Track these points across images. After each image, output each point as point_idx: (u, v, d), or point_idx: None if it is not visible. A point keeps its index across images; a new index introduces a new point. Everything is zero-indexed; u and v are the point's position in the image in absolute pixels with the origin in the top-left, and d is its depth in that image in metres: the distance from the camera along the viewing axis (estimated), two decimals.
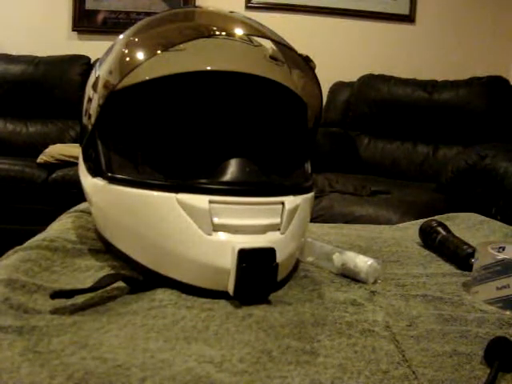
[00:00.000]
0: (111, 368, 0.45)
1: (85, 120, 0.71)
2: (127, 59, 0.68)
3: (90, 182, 0.70)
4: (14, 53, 2.75)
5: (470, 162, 1.85)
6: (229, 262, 0.59)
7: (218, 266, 0.60)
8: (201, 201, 0.60)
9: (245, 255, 0.58)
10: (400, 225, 1.12)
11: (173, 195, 0.60)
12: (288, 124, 0.78)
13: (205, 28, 0.69)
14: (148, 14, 2.69)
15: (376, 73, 2.68)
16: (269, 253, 0.59)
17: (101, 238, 0.75)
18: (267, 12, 2.88)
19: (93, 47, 2.65)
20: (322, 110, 0.78)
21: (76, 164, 0.81)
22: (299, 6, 2.88)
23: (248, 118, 0.78)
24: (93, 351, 0.48)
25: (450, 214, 1.11)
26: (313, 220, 0.80)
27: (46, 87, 2.66)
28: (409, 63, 2.83)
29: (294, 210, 0.65)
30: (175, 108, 0.77)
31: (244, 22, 0.70)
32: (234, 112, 0.78)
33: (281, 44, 0.68)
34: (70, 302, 0.57)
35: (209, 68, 0.75)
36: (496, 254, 0.67)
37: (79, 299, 0.58)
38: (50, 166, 2.29)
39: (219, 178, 0.68)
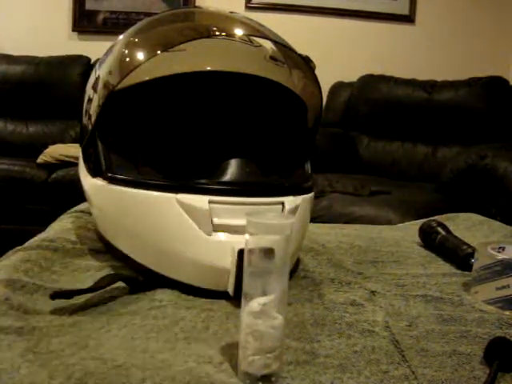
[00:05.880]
0: (111, 368, 0.45)
1: (85, 120, 0.71)
2: (127, 59, 0.68)
3: (90, 183, 0.70)
4: (14, 53, 2.75)
5: (470, 162, 1.85)
6: (229, 262, 0.59)
7: (218, 266, 0.60)
8: (201, 201, 0.60)
9: None
10: (400, 225, 1.12)
11: (173, 195, 0.60)
12: (288, 124, 0.78)
13: (205, 28, 0.69)
14: (148, 14, 2.69)
15: (376, 73, 2.68)
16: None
17: (101, 238, 0.76)
18: (267, 12, 2.88)
19: (93, 47, 2.65)
20: (321, 111, 0.78)
21: (76, 164, 0.81)
22: (299, 6, 2.88)
23: (248, 119, 0.78)
24: (93, 351, 0.48)
25: (450, 214, 1.11)
26: (313, 220, 0.80)
27: (46, 87, 2.66)
28: (409, 63, 2.83)
29: (293, 211, 0.65)
30: (175, 108, 0.77)
31: (244, 23, 0.70)
32: (234, 112, 0.78)
33: (281, 44, 0.68)
34: (70, 302, 0.57)
35: (209, 68, 0.76)
36: (496, 254, 0.67)
37: (79, 299, 0.58)
38: (50, 166, 2.29)
39: (219, 179, 0.68)
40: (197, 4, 2.89)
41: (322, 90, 0.74)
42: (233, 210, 0.61)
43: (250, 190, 0.64)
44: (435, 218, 1.00)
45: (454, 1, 2.90)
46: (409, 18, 2.90)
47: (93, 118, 0.68)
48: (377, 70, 2.69)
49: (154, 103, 0.75)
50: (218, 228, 0.61)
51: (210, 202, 0.60)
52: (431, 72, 2.67)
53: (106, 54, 0.72)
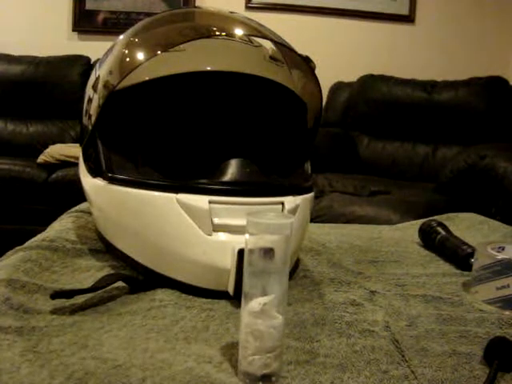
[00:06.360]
0: (111, 368, 0.45)
1: (85, 120, 0.71)
2: (127, 60, 0.68)
3: (90, 183, 0.70)
4: (14, 53, 2.75)
5: (470, 162, 1.85)
6: (229, 262, 0.59)
7: (218, 266, 0.60)
8: (201, 201, 0.60)
9: None
10: (400, 225, 1.12)
11: (173, 195, 0.60)
12: (288, 124, 0.78)
13: (205, 28, 0.69)
14: (148, 14, 2.69)
15: (376, 73, 2.68)
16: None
17: (101, 238, 0.76)
18: (267, 12, 2.88)
19: (93, 47, 2.65)
20: (321, 110, 0.78)
21: (76, 164, 0.81)
22: (299, 6, 2.88)
23: (248, 119, 0.78)
24: (93, 351, 0.48)
25: (450, 214, 1.11)
26: (313, 220, 0.80)
27: (46, 87, 2.66)
28: (408, 63, 2.83)
29: (293, 211, 0.65)
30: (175, 108, 0.77)
31: (244, 23, 0.70)
32: (234, 112, 0.78)
33: (281, 44, 0.68)
34: (70, 302, 0.57)
35: (209, 68, 0.76)
36: (495, 254, 0.67)
37: (79, 299, 0.58)
38: (50, 166, 2.29)
39: (219, 179, 0.68)
40: (197, 4, 2.89)
41: (322, 90, 0.74)
42: (233, 210, 0.61)
43: (250, 190, 0.64)
44: (435, 217, 1.00)
45: (454, 1, 2.90)
46: (408, 18, 2.90)
47: (93, 118, 0.68)
48: (377, 70, 2.69)
49: (154, 103, 0.75)
50: (218, 228, 0.61)
51: (210, 201, 0.60)
52: (431, 72, 2.67)
53: (106, 53, 0.72)
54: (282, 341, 0.46)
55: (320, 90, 0.74)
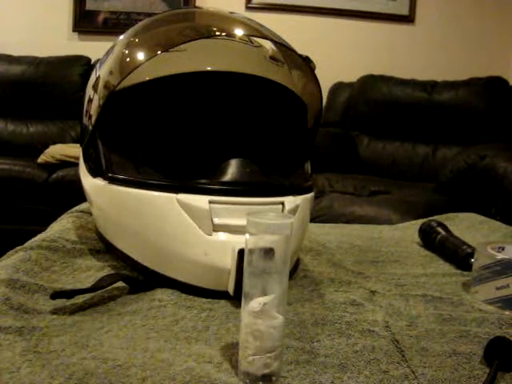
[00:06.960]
0: (111, 368, 0.45)
1: (85, 120, 0.71)
2: (127, 60, 0.68)
3: (90, 183, 0.70)
4: (14, 53, 2.75)
5: (470, 162, 1.85)
6: (229, 262, 0.59)
7: (219, 266, 0.60)
8: (201, 201, 0.60)
9: None
10: (400, 225, 1.12)
11: (173, 195, 0.60)
12: (288, 124, 0.78)
13: (205, 29, 0.69)
14: (148, 14, 2.69)
15: (376, 73, 2.68)
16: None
17: (101, 238, 0.76)
18: (267, 12, 2.88)
19: (93, 48, 2.65)
20: (321, 111, 0.78)
21: (77, 164, 0.81)
22: (299, 6, 2.88)
23: (248, 119, 0.78)
24: (93, 351, 0.48)
25: (450, 214, 1.12)
26: (313, 220, 0.80)
27: (46, 88, 2.66)
28: (408, 63, 2.83)
29: (293, 211, 0.65)
30: (175, 108, 0.77)
31: (244, 23, 0.70)
32: (235, 112, 0.78)
33: (281, 45, 0.68)
34: (70, 302, 0.57)
35: (209, 68, 0.76)
36: (495, 254, 0.67)
37: (79, 299, 0.58)
38: (50, 166, 2.29)
39: (219, 179, 0.68)
40: (197, 4, 2.89)
41: (322, 90, 0.74)
42: (233, 210, 0.61)
43: (250, 190, 0.64)
44: (435, 217, 1.00)
45: (454, 1, 2.90)
46: (408, 18, 2.90)
47: (93, 118, 0.68)
48: (377, 71, 2.69)
49: (155, 103, 0.75)
50: (218, 228, 0.61)
51: (211, 201, 0.60)
52: (431, 72, 2.67)
53: (107, 54, 0.72)
54: (282, 341, 0.46)
55: (320, 90, 0.74)
